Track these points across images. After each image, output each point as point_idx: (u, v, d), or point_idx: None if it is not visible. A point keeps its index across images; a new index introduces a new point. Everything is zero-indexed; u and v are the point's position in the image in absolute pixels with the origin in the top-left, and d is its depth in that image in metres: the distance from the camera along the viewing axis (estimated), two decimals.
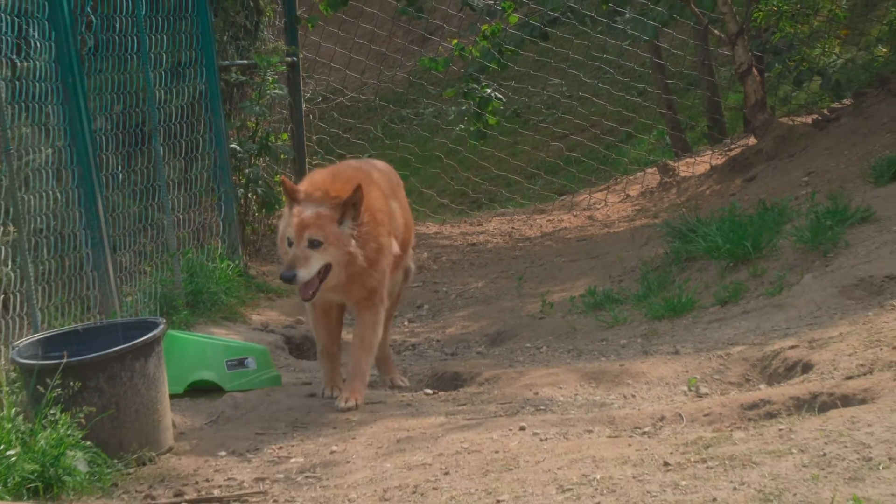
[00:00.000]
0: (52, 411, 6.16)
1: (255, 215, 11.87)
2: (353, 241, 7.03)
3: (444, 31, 18.42)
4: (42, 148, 8.06)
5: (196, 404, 7.45)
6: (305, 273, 6.92)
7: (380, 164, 8.08)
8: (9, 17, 7.67)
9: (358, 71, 19.05)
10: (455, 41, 14.82)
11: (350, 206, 7.02)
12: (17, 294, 7.35)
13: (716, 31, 13.66)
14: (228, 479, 6.18)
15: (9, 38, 7.67)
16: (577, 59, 16.75)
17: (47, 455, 5.95)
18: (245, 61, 11.63)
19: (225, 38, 11.42)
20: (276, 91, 11.66)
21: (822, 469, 5.05)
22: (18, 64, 7.82)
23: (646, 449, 5.63)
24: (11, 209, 7.38)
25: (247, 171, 11.46)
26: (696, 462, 5.34)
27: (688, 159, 14.84)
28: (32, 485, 5.89)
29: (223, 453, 6.57)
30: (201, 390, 7.62)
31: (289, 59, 12.47)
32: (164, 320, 6.92)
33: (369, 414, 7.02)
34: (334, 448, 6.41)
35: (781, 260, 9.13)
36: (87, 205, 8.41)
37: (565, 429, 6.26)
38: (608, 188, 15.08)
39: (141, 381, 6.53)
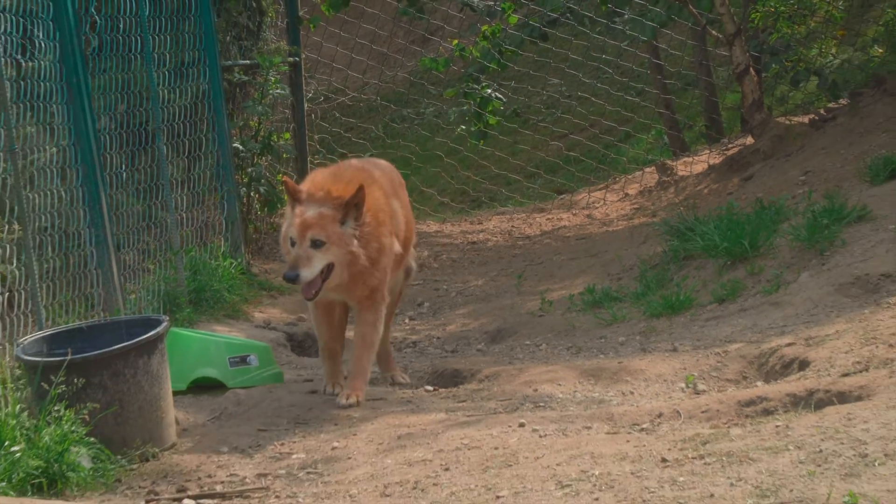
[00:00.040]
0: (56, 408, 6.18)
1: (258, 214, 11.86)
2: (355, 241, 7.05)
3: (445, 32, 18.43)
4: (46, 147, 8.05)
5: (199, 401, 7.46)
6: (308, 273, 6.94)
7: (381, 163, 8.08)
8: (13, 18, 7.68)
9: (359, 71, 19.07)
10: (455, 42, 14.83)
11: (352, 206, 7.03)
12: (22, 291, 7.36)
13: (714, 32, 13.66)
14: (231, 474, 6.20)
15: (14, 39, 7.67)
16: (577, 60, 16.76)
17: (51, 451, 5.96)
18: (248, 61, 11.63)
19: (228, 38, 11.42)
20: (278, 91, 11.67)
21: (819, 465, 5.06)
22: (23, 64, 7.82)
23: (644, 445, 5.64)
24: (16, 207, 7.38)
25: (249, 170, 11.47)
26: (693, 458, 5.35)
27: (686, 158, 14.83)
28: (37, 480, 5.91)
29: (225, 449, 6.59)
30: (204, 387, 7.64)
31: (291, 59, 12.46)
32: (168, 318, 6.93)
33: (370, 410, 7.03)
34: (335, 444, 6.43)
35: (778, 258, 9.14)
36: (91, 203, 8.42)
37: (564, 425, 6.27)
38: (607, 187, 15.08)
39: (144, 378, 6.55)
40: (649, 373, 7.38)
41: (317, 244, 6.97)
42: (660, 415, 6.39)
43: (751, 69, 12.89)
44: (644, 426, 6.23)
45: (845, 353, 6.85)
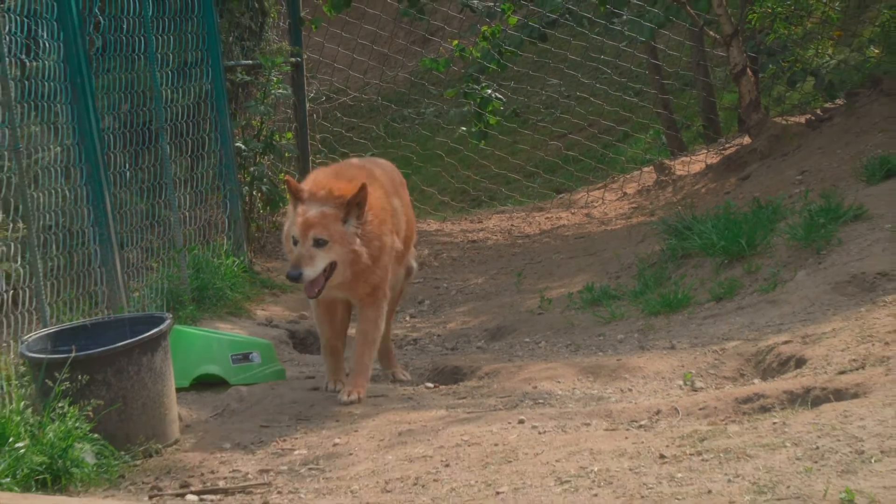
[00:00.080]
0: (60, 404, 6.20)
1: (260, 212, 11.84)
2: (357, 240, 7.06)
3: (445, 33, 18.48)
4: (51, 146, 8.05)
5: (202, 398, 7.47)
6: (311, 272, 6.95)
7: (382, 162, 8.10)
8: (18, 18, 7.69)
9: (360, 71, 19.08)
10: (455, 42, 14.85)
11: (354, 205, 7.04)
12: (27, 289, 7.37)
13: (711, 33, 13.69)
14: (233, 470, 6.21)
15: (18, 39, 7.68)
16: (575, 60, 16.77)
17: (55, 447, 5.98)
18: (250, 61, 11.63)
19: (230, 38, 11.43)
20: (280, 91, 11.67)
21: (815, 462, 5.07)
22: (28, 64, 7.83)
23: (642, 442, 5.66)
24: (21, 206, 7.39)
25: (252, 169, 11.47)
26: (691, 455, 5.37)
27: (683, 158, 14.83)
28: (41, 476, 5.92)
29: (228, 445, 6.60)
30: (207, 384, 7.65)
31: (293, 59, 12.49)
32: (171, 315, 6.94)
33: (371, 407, 7.05)
34: (337, 440, 6.45)
35: (775, 257, 9.13)
36: (95, 202, 8.43)
37: (563, 422, 6.28)
38: (605, 186, 15.09)
39: (148, 375, 6.56)
40: (647, 370, 7.39)
41: (319, 243, 6.98)
42: (658, 412, 6.41)
43: (748, 69, 12.90)
44: (642, 423, 6.24)
45: (842, 351, 6.85)
